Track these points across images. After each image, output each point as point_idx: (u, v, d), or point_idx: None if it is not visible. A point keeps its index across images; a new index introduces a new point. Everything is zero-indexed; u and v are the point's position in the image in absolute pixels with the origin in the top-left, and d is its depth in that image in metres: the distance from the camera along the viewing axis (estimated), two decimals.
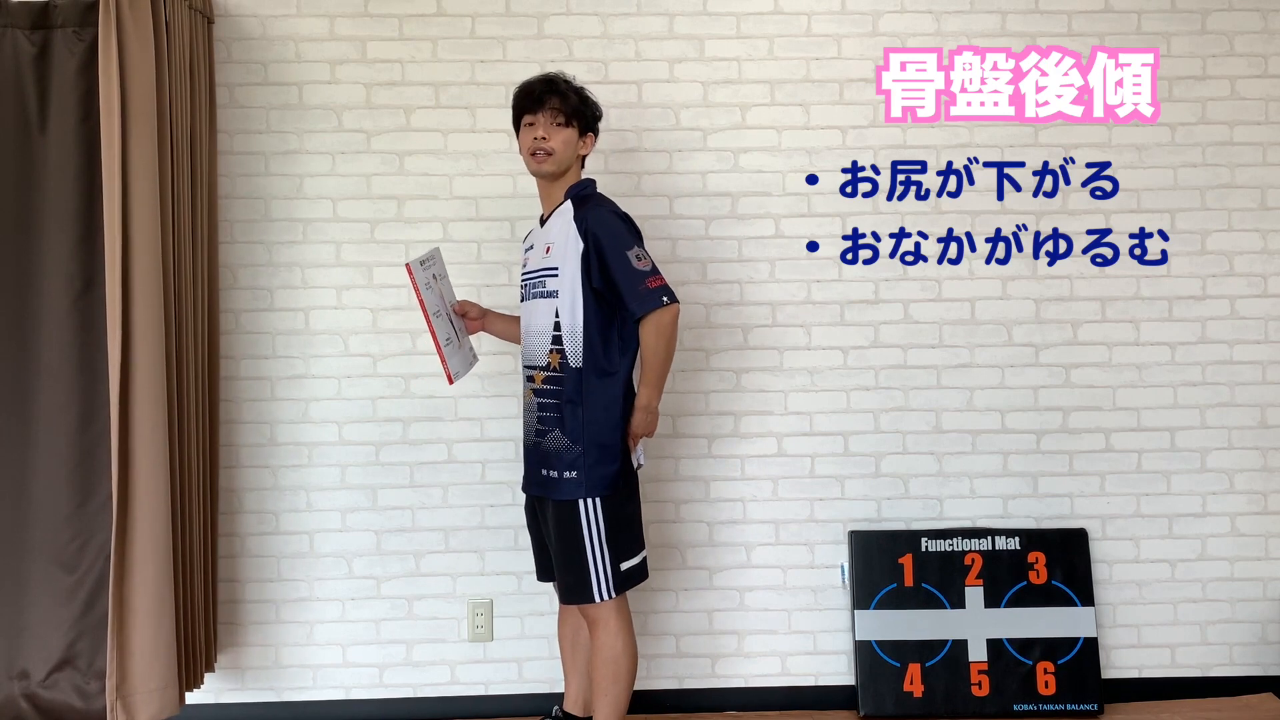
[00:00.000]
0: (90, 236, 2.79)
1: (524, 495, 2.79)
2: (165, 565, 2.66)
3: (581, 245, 2.55)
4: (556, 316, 2.58)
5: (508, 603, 3.21)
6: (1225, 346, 3.27)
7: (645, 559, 2.67)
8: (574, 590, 2.58)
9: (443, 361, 2.69)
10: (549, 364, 2.60)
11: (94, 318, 2.77)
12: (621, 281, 2.51)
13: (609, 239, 2.53)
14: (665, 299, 2.51)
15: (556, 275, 2.59)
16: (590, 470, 2.54)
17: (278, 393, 3.20)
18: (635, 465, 2.65)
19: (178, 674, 2.70)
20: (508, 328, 2.91)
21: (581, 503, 2.55)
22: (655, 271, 2.54)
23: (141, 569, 2.63)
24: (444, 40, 3.21)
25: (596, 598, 2.56)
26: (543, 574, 2.81)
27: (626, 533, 2.60)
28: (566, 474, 2.56)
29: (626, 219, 2.61)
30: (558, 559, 2.61)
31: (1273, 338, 3.27)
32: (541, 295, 2.62)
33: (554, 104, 2.62)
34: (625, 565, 2.58)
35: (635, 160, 3.23)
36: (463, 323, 2.83)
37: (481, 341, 3.11)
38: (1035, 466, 3.26)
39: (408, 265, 2.63)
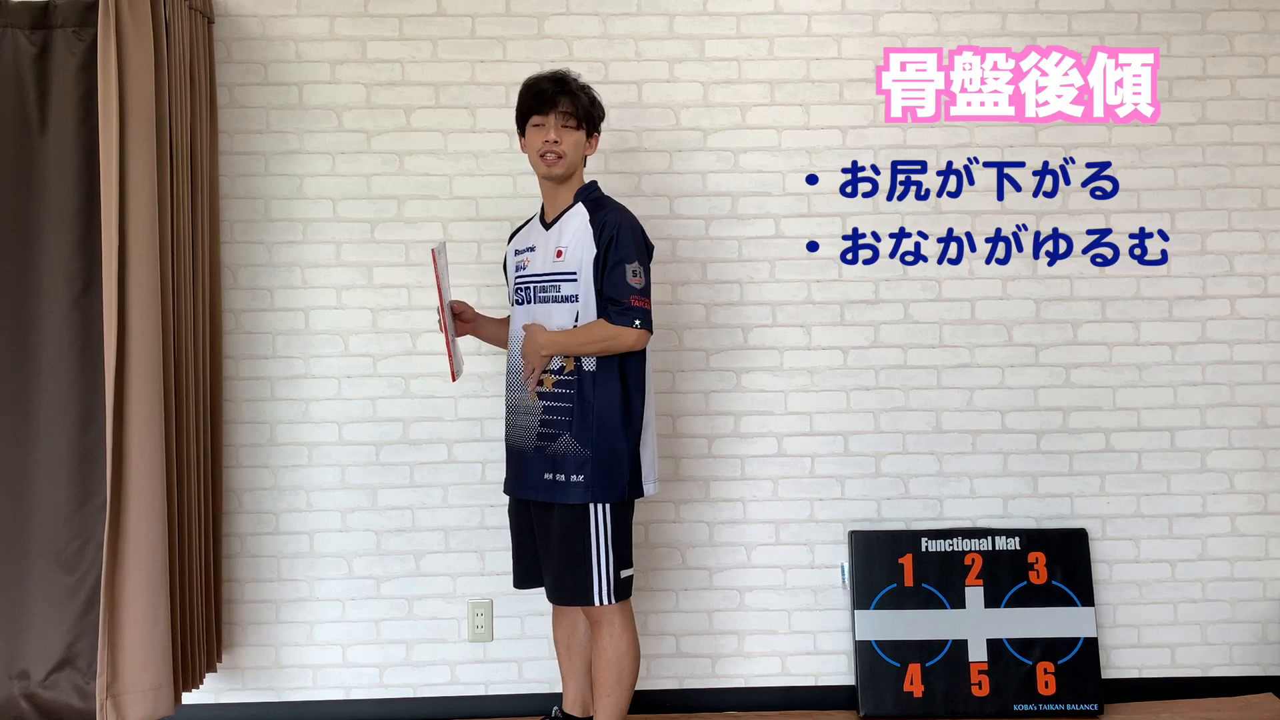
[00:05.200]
0: (90, 237, 2.79)
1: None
2: (160, 565, 2.64)
3: (595, 250, 2.57)
4: (578, 321, 2.58)
5: (508, 603, 3.21)
6: (1225, 346, 3.27)
7: (632, 575, 2.68)
8: (573, 591, 2.58)
9: (450, 356, 2.68)
10: (562, 367, 2.59)
11: (94, 318, 2.77)
12: (609, 288, 2.56)
13: (617, 247, 2.56)
14: (638, 323, 2.54)
15: (574, 280, 2.59)
16: (598, 474, 2.55)
17: (278, 393, 3.20)
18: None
19: (173, 674, 2.69)
20: (498, 332, 2.88)
21: (591, 507, 2.55)
22: (644, 292, 2.57)
23: (135, 569, 2.62)
24: (444, 40, 3.21)
25: (597, 601, 2.56)
26: (521, 580, 2.78)
27: (626, 543, 2.62)
28: (574, 477, 2.56)
29: (640, 232, 2.64)
30: (556, 561, 2.60)
31: (1273, 338, 3.27)
32: (556, 299, 2.62)
33: (565, 106, 2.61)
34: (624, 573, 2.60)
35: (635, 160, 3.23)
36: (454, 323, 2.82)
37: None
38: (1035, 466, 3.26)
39: (433, 250, 2.60)
